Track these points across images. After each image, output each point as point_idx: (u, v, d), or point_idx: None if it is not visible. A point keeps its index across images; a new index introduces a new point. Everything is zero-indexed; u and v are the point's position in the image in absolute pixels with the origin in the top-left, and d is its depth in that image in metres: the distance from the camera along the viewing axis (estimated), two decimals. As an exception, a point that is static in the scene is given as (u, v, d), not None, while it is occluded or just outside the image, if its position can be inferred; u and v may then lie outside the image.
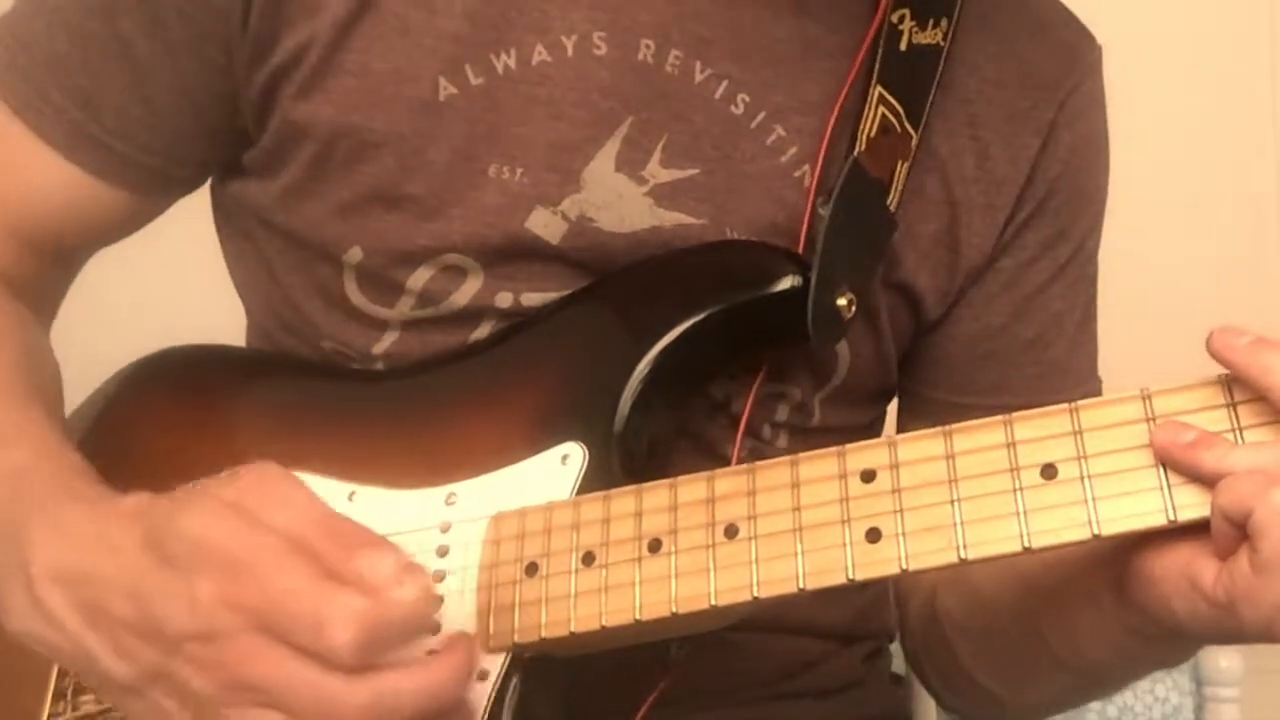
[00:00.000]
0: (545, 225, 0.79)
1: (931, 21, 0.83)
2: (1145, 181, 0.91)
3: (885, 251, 0.81)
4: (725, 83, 0.80)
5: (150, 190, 0.86)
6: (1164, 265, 0.92)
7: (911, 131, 0.82)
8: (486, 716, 0.68)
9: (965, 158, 0.85)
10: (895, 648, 0.99)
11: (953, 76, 0.84)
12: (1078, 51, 0.89)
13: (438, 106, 0.78)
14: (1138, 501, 0.59)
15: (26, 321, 0.85)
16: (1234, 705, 1.24)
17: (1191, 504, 0.58)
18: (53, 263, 0.88)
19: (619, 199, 0.79)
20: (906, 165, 0.81)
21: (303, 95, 0.79)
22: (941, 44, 0.83)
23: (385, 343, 0.82)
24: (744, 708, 0.85)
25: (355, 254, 0.80)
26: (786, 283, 0.77)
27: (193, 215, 0.91)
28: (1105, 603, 0.67)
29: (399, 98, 0.78)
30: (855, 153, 0.79)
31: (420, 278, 0.80)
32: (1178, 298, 0.92)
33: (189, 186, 0.88)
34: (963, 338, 0.88)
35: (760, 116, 0.81)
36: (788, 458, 0.67)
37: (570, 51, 0.78)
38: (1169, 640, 0.67)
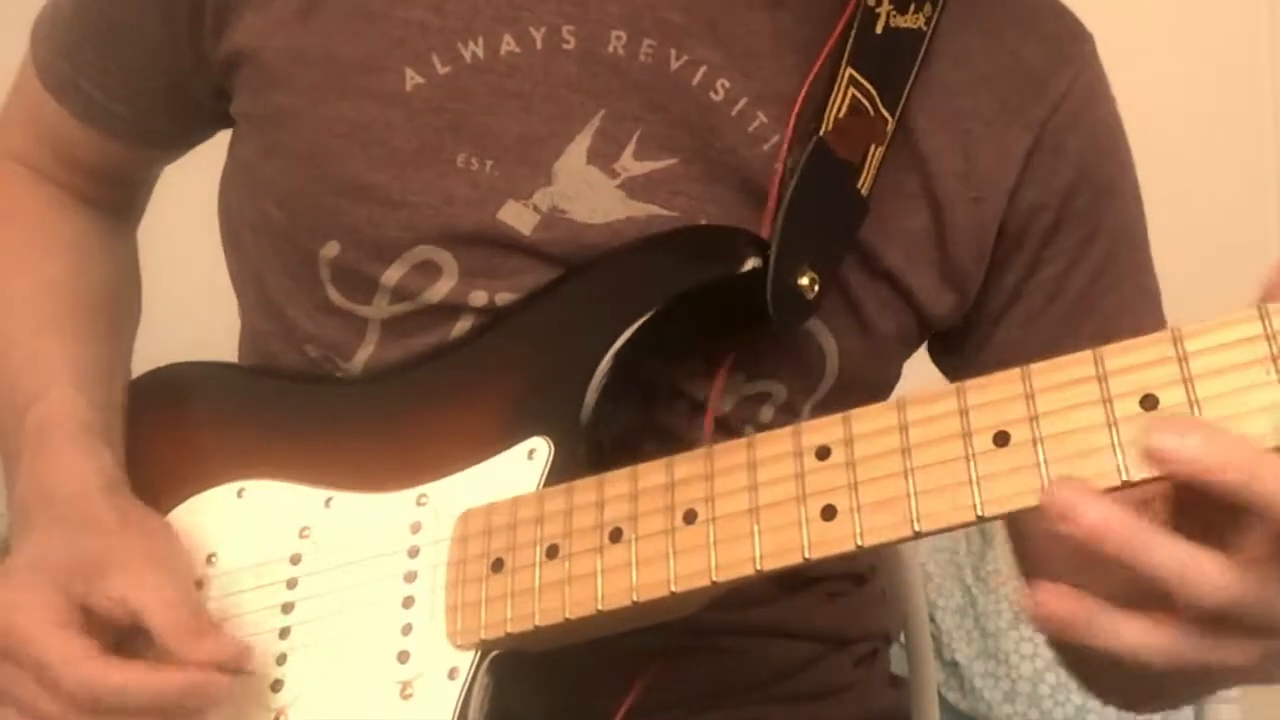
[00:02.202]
0: (517, 217, 0.78)
1: (913, 5, 0.81)
2: (1143, 180, 0.89)
3: (854, 233, 0.79)
4: (704, 69, 0.79)
5: (130, 140, 0.92)
6: (1163, 264, 0.90)
7: (887, 115, 0.80)
8: (457, 714, 0.68)
9: (951, 152, 0.83)
10: (895, 650, 0.97)
11: (938, 70, 0.82)
12: (1067, 45, 0.87)
13: (404, 96, 0.78)
14: (1090, 463, 0.57)
15: (85, 232, 0.94)
16: (1234, 706, 1.20)
17: (1145, 465, 0.56)
18: (109, 185, 0.96)
19: (590, 191, 0.78)
20: (881, 149, 0.79)
21: (268, 84, 0.80)
22: (924, 28, 0.81)
23: (367, 348, 0.82)
24: (735, 710, 0.84)
25: (332, 248, 0.80)
26: (746, 264, 0.75)
27: (194, 220, 0.94)
28: None
29: (365, 89, 0.78)
30: (821, 132, 0.78)
31: (394, 274, 0.79)
32: (1176, 297, 0.90)
33: (171, 144, 0.95)
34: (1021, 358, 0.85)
35: (741, 103, 0.79)
36: (745, 439, 0.66)
37: (539, 44, 0.78)
38: None
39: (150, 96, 0.89)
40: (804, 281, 0.75)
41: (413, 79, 0.78)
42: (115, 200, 0.97)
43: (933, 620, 1.79)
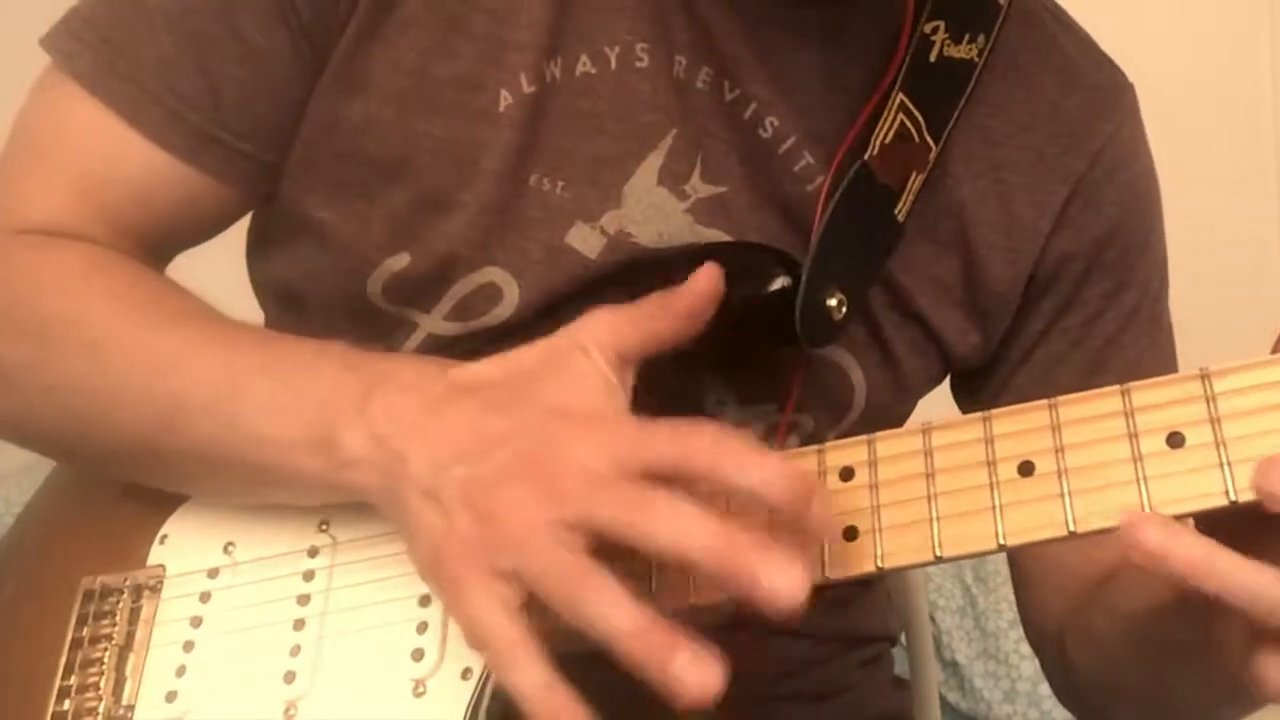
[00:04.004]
0: (584, 240, 0.78)
1: (967, 36, 0.82)
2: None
3: (887, 258, 0.80)
4: (754, 105, 0.79)
5: (266, 185, 0.83)
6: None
7: (931, 143, 0.80)
8: (468, 715, 0.68)
9: (988, 201, 0.83)
10: (898, 651, 0.98)
11: (979, 117, 0.83)
12: (1108, 97, 0.87)
13: (496, 117, 0.77)
14: (1115, 497, 0.58)
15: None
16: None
17: (1169, 500, 0.57)
18: (150, 252, 0.85)
19: (659, 214, 0.79)
20: (921, 176, 0.80)
21: (358, 90, 0.78)
22: (976, 60, 0.82)
23: (412, 343, 0.82)
24: (737, 707, 0.85)
25: (401, 259, 0.79)
26: (776, 283, 0.75)
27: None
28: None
29: (460, 106, 0.77)
30: (866, 156, 0.78)
31: (456, 295, 0.79)
32: (1177, 298, 0.91)
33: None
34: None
35: (789, 142, 0.80)
36: None
37: (614, 64, 0.78)
38: None
39: (283, 133, 0.81)
40: (832, 302, 0.76)
41: (505, 99, 0.77)
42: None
43: (933, 620, 1.80)
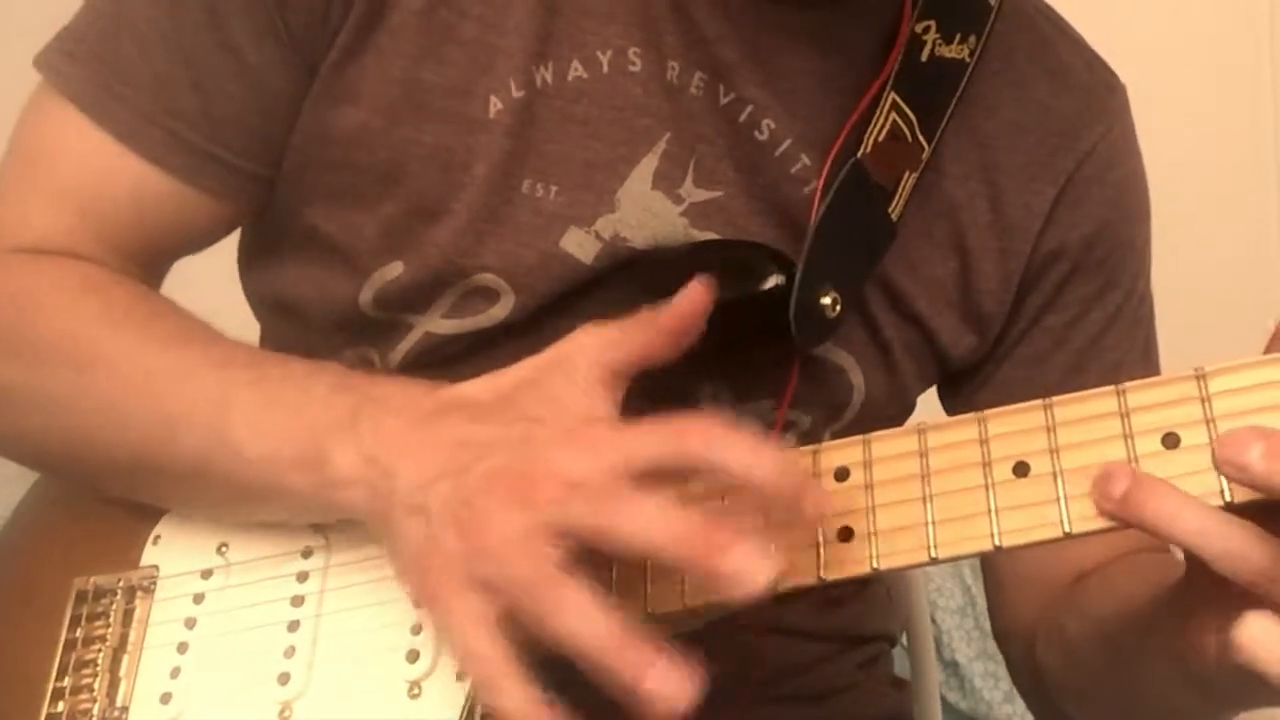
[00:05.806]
0: (579, 245, 0.78)
1: (958, 36, 0.82)
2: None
3: (879, 257, 0.80)
4: (750, 108, 0.79)
5: (261, 200, 0.83)
6: (1163, 266, 0.91)
7: (923, 143, 0.80)
8: (464, 716, 0.68)
9: (979, 202, 0.83)
10: (898, 651, 0.98)
11: (971, 119, 0.83)
12: (1099, 97, 0.88)
13: (487, 123, 0.77)
14: (1110, 498, 0.57)
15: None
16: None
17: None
18: (144, 267, 0.85)
19: (654, 218, 0.78)
20: (914, 176, 0.80)
21: (348, 100, 0.78)
22: (967, 60, 0.82)
23: (408, 343, 0.82)
24: (734, 710, 0.84)
25: (394, 268, 0.79)
26: (769, 281, 0.75)
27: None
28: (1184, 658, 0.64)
29: (450, 113, 0.77)
30: (859, 154, 0.78)
31: (450, 298, 0.79)
32: (1178, 298, 0.90)
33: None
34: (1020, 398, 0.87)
35: (786, 144, 0.80)
36: None
37: (605, 68, 0.78)
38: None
39: (278, 147, 0.81)
40: (826, 301, 0.76)
41: (495, 106, 0.77)
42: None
43: (933, 620, 1.80)
